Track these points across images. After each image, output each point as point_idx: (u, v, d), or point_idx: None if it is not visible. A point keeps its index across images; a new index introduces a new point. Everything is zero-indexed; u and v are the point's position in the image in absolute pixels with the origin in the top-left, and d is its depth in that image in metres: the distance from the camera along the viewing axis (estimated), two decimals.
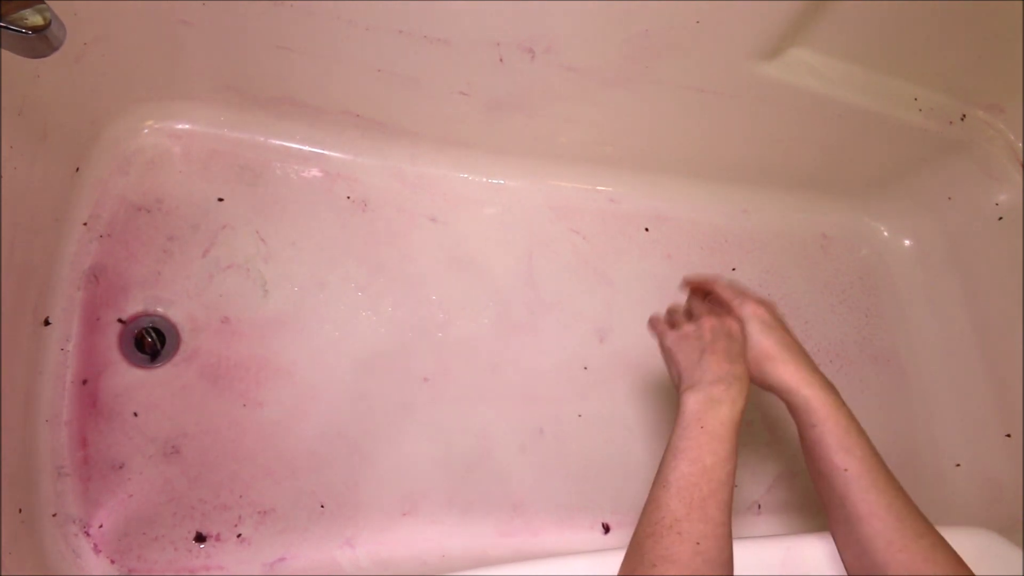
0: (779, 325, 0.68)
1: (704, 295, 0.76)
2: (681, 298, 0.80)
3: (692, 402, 0.62)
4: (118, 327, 0.92)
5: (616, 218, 1.21)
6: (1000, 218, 1.14)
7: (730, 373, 0.63)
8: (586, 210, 1.20)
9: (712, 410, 0.60)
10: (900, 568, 0.55)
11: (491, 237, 1.14)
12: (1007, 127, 1.12)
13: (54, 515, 0.84)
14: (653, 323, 0.76)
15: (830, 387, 0.64)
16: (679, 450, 0.60)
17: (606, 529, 1.04)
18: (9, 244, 0.77)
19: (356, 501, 0.96)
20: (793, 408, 0.65)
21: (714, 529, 0.55)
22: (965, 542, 0.57)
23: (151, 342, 0.93)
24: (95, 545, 0.85)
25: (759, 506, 1.11)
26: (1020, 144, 1.12)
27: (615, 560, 0.58)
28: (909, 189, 1.26)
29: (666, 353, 0.71)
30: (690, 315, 0.72)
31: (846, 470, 0.59)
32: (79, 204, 0.93)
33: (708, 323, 0.67)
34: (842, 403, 0.63)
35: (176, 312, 0.96)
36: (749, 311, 0.68)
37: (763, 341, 0.66)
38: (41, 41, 0.62)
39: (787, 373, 0.64)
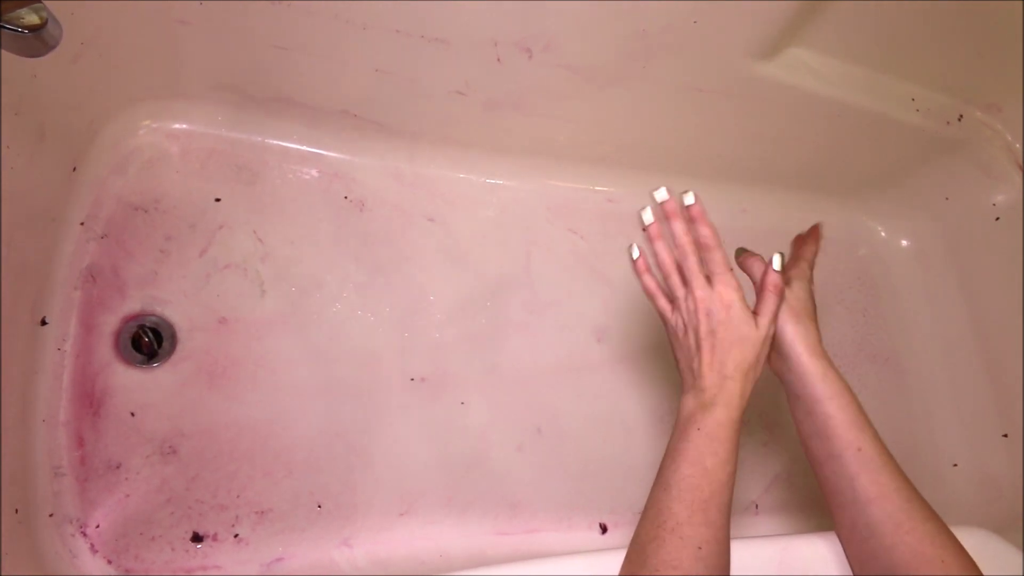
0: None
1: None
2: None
3: (687, 405, 0.62)
4: (115, 327, 0.92)
5: (614, 218, 1.21)
6: (997, 218, 1.14)
7: (720, 374, 0.62)
8: (584, 210, 1.20)
9: (706, 413, 0.60)
10: (907, 550, 0.55)
11: (489, 237, 1.13)
12: (1005, 127, 1.12)
13: (51, 515, 0.84)
14: (651, 294, 0.71)
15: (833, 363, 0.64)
16: (679, 452, 0.59)
17: (604, 529, 1.04)
18: (6, 244, 0.76)
19: (354, 501, 0.96)
20: (800, 379, 0.63)
21: (715, 533, 0.55)
22: (963, 542, 0.57)
23: (148, 342, 0.93)
24: (92, 545, 0.85)
25: (756, 506, 1.11)
26: (1018, 144, 1.12)
27: (613, 560, 0.58)
28: (907, 189, 1.26)
29: (669, 338, 0.68)
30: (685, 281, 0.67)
31: (860, 449, 0.59)
32: (76, 204, 0.93)
33: (701, 306, 0.63)
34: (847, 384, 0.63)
35: (173, 312, 0.95)
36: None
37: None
38: (37, 40, 0.62)
39: (798, 339, 0.64)
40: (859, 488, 0.59)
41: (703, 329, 0.63)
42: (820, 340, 0.64)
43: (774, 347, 0.65)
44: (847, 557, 0.62)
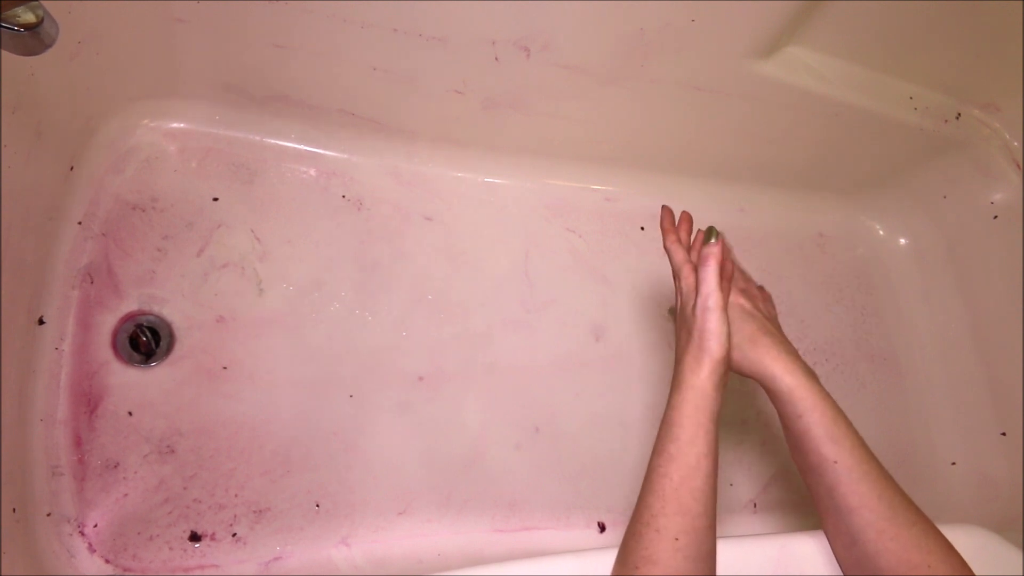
0: (758, 312, 0.66)
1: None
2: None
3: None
4: (113, 326, 0.92)
5: (612, 217, 1.21)
6: (995, 216, 1.14)
7: (678, 359, 0.62)
8: (582, 209, 1.20)
9: (668, 403, 0.61)
10: (891, 556, 0.55)
11: (487, 236, 1.13)
12: (1003, 126, 1.12)
13: (49, 515, 0.84)
14: (669, 250, 0.70)
15: (813, 375, 0.63)
16: (654, 447, 0.60)
17: (602, 528, 1.04)
18: (4, 243, 0.76)
19: (351, 500, 0.96)
20: (776, 397, 0.63)
21: (692, 522, 0.55)
22: (961, 540, 0.57)
23: (146, 341, 0.93)
24: (90, 544, 0.85)
25: (755, 504, 1.11)
26: (1016, 143, 1.12)
27: (611, 558, 0.58)
28: (905, 188, 1.27)
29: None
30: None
31: (835, 462, 0.59)
32: (74, 203, 0.93)
33: (696, 315, 0.63)
34: (826, 392, 0.62)
35: (171, 311, 0.95)
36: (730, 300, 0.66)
37: (745, 326, 0.65)
38: (34, 39, 0.62)
39: (768, 358, 0.63)
40: (838, 498, 0.58)
41: (696, 332, 0.63)
42: (787, 351, 0.63)
43: (745, 370, 0.65)
44: (838, 563, 0.62)
